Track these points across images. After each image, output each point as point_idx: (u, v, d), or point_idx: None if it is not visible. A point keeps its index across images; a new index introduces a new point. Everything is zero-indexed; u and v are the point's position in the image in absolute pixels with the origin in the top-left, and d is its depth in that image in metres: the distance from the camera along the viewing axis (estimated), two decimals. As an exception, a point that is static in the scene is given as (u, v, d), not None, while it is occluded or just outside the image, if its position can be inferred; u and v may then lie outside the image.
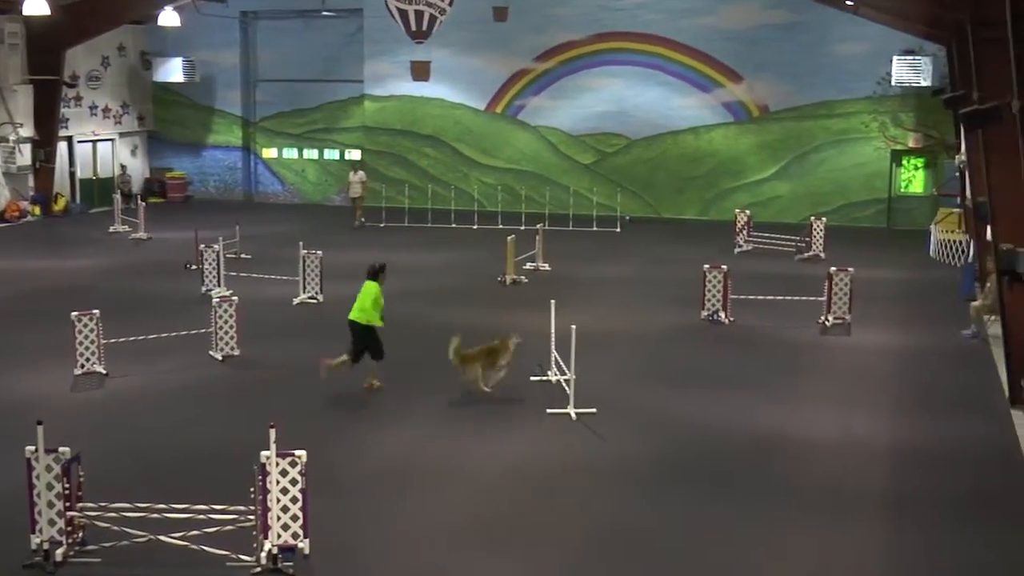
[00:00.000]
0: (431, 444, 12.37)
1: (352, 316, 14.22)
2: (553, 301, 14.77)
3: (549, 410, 13.44)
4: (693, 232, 29.70)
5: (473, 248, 26.48)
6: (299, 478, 9.11)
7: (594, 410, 13.38)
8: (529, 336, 16.99)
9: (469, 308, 19.59)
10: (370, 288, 14.24)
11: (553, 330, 14.66)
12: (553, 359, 14.75)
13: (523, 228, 28.04)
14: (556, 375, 14.63)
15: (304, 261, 20.00)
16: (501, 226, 29.15)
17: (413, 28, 29.35)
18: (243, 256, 24.33)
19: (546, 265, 23.48)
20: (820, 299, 18.71)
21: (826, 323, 18.34)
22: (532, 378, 14.79)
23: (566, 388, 13.70)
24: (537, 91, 33.30)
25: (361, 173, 30.61)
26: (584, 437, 12.64)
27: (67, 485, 9.16)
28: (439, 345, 16.87)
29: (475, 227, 29.74)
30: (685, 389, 14.60)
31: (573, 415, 13.26)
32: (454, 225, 29.95)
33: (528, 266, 23.18)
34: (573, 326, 13.40)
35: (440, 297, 20.58)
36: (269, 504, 9.06)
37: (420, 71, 31.52)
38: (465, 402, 13.91)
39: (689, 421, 13.21)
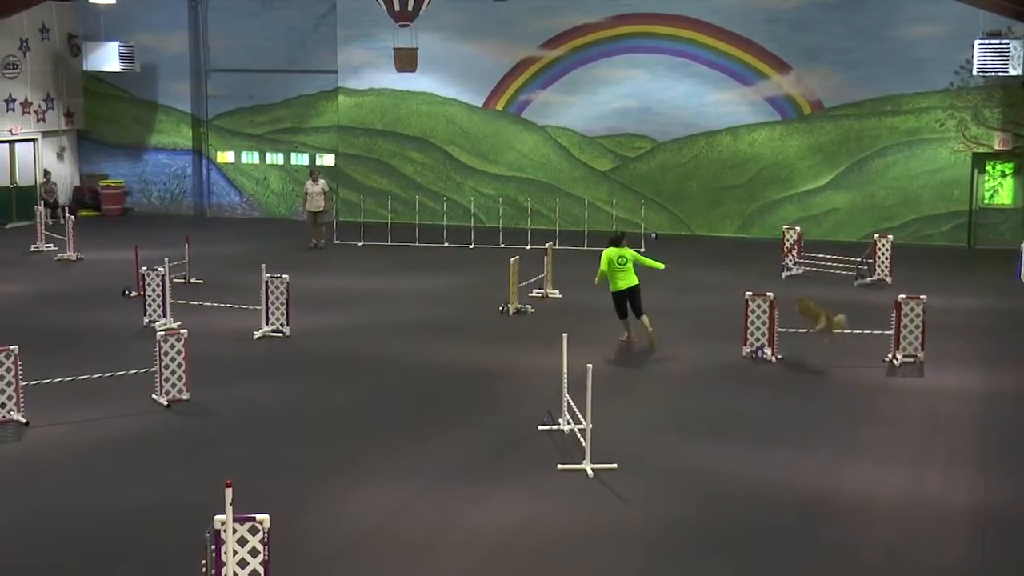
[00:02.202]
0: (419, 506, 12.36)
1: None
2: (565, 335, 14.79)
3: (560, 465, 13.44)
4: (732, 252, 29.74)
5: (469, 272, 26.53)
6: (260, 548, 9.10)
7: (614, 465, 13.37)
8: (535, 377, 17.06)
9: (464, 344, 19.62)
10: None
11: (565, 370, 14.67)
12: (565, 405, 14.76)
13: (529, 248, 28.12)
14: (569, 424, 14.64)
15: (267, 287, 20.05)
16: (503, 245, 29.22)
17: (397, 8, 29.52)
18: (194, 281, 24.41)
19: (556, 292, 23.54)
20: (886, 333, 18.72)
21: (894, 361, 18.35)
22: (540, 427, 14.79)
23: (581, 439, 13.70)
24: (545, 84, 33.48)
25: (323, 182, 30.43)
26: (602, 497, 12.62)
27: (-19, 556, 9.17)
28: (427, 389, 16.95)
29: (471, 246, 29.80)
30: (723, 441, 14.59)
31: (589, 471, 13.25)
32: (446, 244, 30.02)
33: (535, 293, 23.24)
34: (589, 365, 13.40)
35: (429, 331, 20.61)
36: (224, 579, 9.07)
37: (405, 60, 31.67)
38: (460, 456, 13.91)
39: (728, 479, 13.20)
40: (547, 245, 24.44)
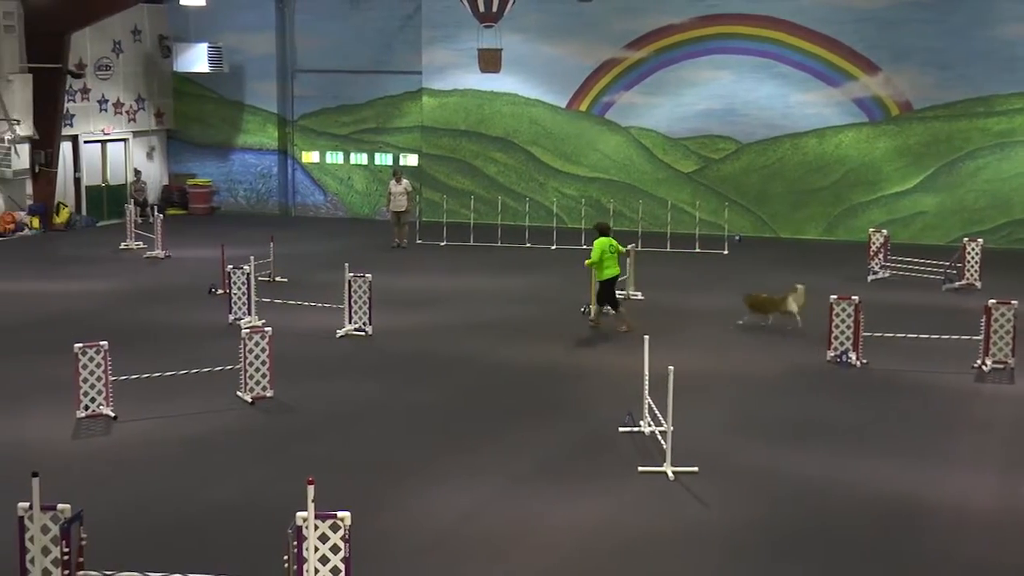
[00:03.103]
0: (498, 505, 12.37)
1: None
2: (647, 337, 14.72)
3: (641, 468, 13.38)
4: (816, 255, 29.44)
5: (551, 272, 26.52)
6: (342, 545, 9.15)
7: (695, 468, 13.29)
8: (616, 379, 17.00)
9: (545, 345, 19.61)
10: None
11: (647, 372, 14.60)
12: (646, 407, 14.70)
13: (610, 249, 28.06)
14: (650, 426, 14.57)
15: (350, 286, 20.18)
16: (584, 246, 29.14)
17: (481, 9, 29.59)
18: (278, 279, 24.65)
19: (638, 293, 23.43)
20: (975, 338, 18.42)
21: (983, 368, 18.03)
22: (621, 429, 14.75)
23: (662, 442, 13.63)
24: (629, 85, 33.37)
25: (406, 182, 30.64)
26: (682, 500, 12.55)
27: (66, 549, 9.30)
28: (509, 389, 16.96)
29: (553, 247, 29.79)
30: (806, 445, 14.44)
31: (670, 474, 13.19)
32: (528, 245, 30.03)
33: (617, 294, 23.13)
34: (671, 367, 13.33)
35: (510, 331, 20.63)
36: (305, 575, 9.12)
37: (489, 61, 31.73)
38: (540, 456, 13.90)
39: (810, 484, 13.06)
40: (629, 247, 24.32)
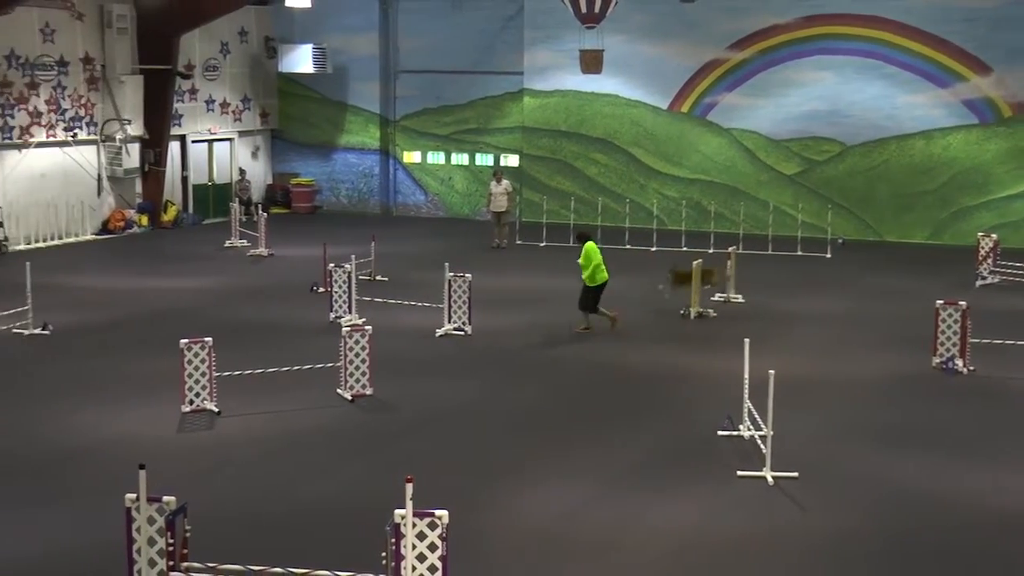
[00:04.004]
0: (595, 507, 12.36)
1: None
2: (747, 340, 14.60)
3: (740, 472, 13.29)
4: (922, 259, 28.97)
5: (651, 274, 26.40)
6: (439, 543, 9.21)
7: (795, 474, 13.17)
8: (715, 382, 16.90)
9: (644, 346, 19.56)
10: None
11: (747, 375, 14.49)
12: (746, 410, 14.59)
13: (711, 251, 27.87)
14: (749, 430, 14.46)
15: (450, 286, 20.30)
16: (685, 248, 29.02)
17: (584, 10, 29.63)
18: (379, 278, 24.87)
19: (739, 296, 23.26)
20: (1086, 346, 18.00)
21: (1094, 376, 17.62)
22: (720, 432, 14.66)
23: (761, 446, 13.52)
24: (731, 86, 33.12)
25: (506, 182, 30.73)
26: (782, 506, 12.44)
27: (171, 540, 9.48)
28: (606, 390, 16.95)
29: (653, 249, 29.67)
30: (910, 453, 14.22)
31: (769, 479, 13.08)
32: (628, 246, 29.94)
33: (717, 297, 23.00)
34: (771, 371, 13.22)
35: (611, 333, 20.58)
36: (403, 572, 9.19)
37: (591, 62, 31.75)
38: (637, 458, 13.87)
39: (914, 492, 12.85)
40: (730, 249, 24.17)
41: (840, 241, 30.65)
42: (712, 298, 22.74)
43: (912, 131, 31.71)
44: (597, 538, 11.52)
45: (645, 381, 17.46)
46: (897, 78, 31.62)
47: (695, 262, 21.59)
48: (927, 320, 18.71)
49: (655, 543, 11.42)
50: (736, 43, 32.85)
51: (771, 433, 13.25)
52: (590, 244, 20.40)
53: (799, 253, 29.15)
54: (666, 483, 13.08)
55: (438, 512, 9.23)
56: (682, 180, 33.78)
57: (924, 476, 13.38)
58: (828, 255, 29.08)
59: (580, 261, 20.33)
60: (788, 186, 32.85)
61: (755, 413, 14.26)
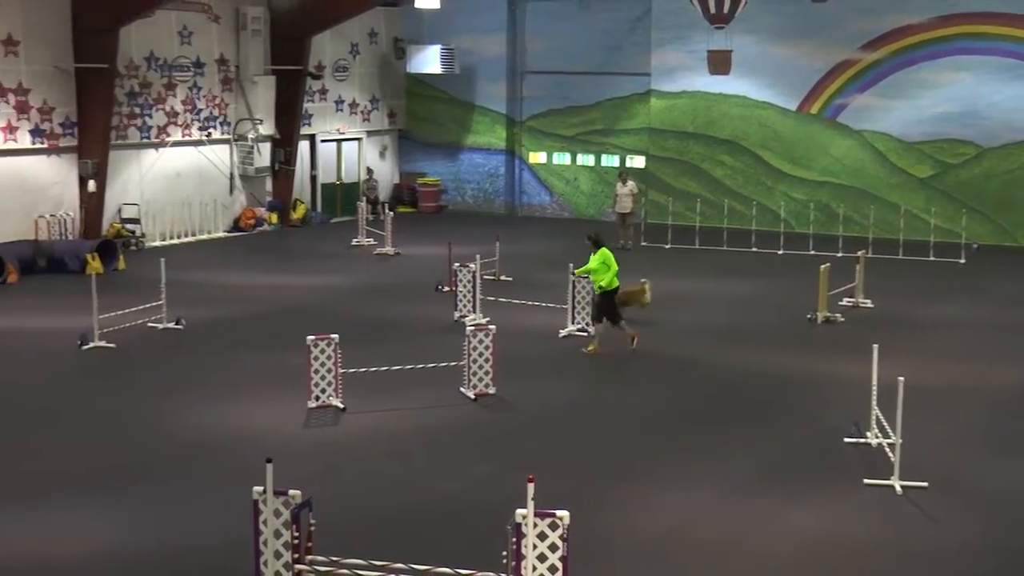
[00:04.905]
0: (718, 512, 12.27)
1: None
2: (876, 346, 14.35)
3: (866, 480, 13.07)
4: (1062, 266, 28.20)
5: (777, 277, 26.14)
6: (560, 543, 9.21)
7: (925, 484, 12.91)
8: (842, 388, 16.64)
9: (770, 350, 19.34)
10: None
11: (875, 382, 14.24)
12: (874, 417, 14.34)
13: (840, 255, 27.45)
14: (877, 437, 14.21)
15: (574, 287, 20.29)
16: (812, 252, 28.64)
17: (713, 11, 29.41)
18: (503, 278, 24.96)
19: (867, 301, 22.87)
20: None
21: None
22: (846, 439, 14.44)
23: (889, 454, 13.27)
24: (863, 87, 32.58)
25: (632, 183, 30.69)
26: (910, 517, 12.21)
27: (296, 534, 9.64)
28: (730, 393, 16.81)
29: (780, 252, 29.33)
30: (1046, 465, 13.85)
31: (898, 488, 12.84)
32: (754, 249, 29.64)
33: (845, 302, 22.64)
34: (900, 378, 12.96)
35: (734, 335, 20.41)
36: (523, 572, 9.22)
37: (719, 62, 31.49)
38: (761, 463, 13.72)
39: (1050, 506, 12.52)
40: (859, 253, 23.77)
41: (975, 246, 29.94)
42: (840, 302, 22.40)
43: (1053, 133, 30.90)
44: (717, 543, 11.43)
45: (769, 385, 17.26)
46: (1037, 79, 30.83)
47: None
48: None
49: (777, 550, 11.28)
50: (868, 43, 32.28)
51: (900, 441, 13.01)
52: (605, 250, 19.05)
53: (931, 258, 28.54)
54: (789, 489, 12.92)
55: (559, 512, 9.24)
56: (810, 182, 33.31)
57: (1060, 489, 13.02)
58: (962, 260, 28.43)
59: (593, 266, 18.93)
60: (920, 189, 32.18)
61: (883, 420, 14.01)
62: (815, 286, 21.67)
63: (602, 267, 18.84)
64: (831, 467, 13.64)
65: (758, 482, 13.20)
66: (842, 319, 21.59)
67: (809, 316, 21.51)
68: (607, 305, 19.05)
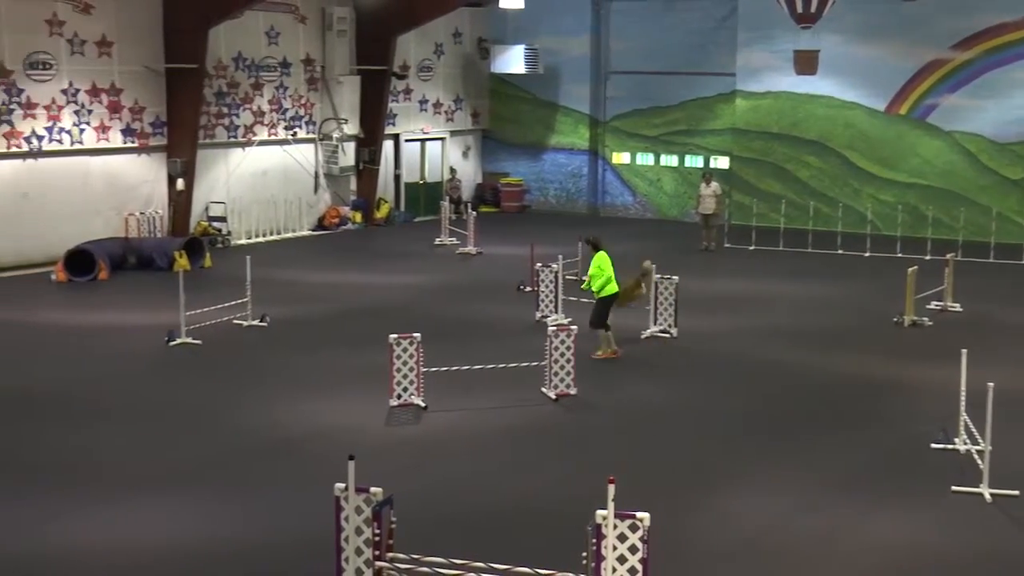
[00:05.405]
0: (801, 517, 12.13)
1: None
2: (964, 351, 14.10)
3: (955, 487, 12.85)
4: None
5: (863, 280, 25.82)
6: (640, 545, 9.15)
7: (1016, 492, 12.66)
8: (930, 393, 16.37)
9: (855, 354, 19.10)
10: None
11: (963, 387, 13.99)
12: (962, 424, 14.08)
13: (928, 258, 27.05)
14: (966, 444, 13.96)
15: (656, 288, 20.19)
16: (899, 255, 28.24)
17: (800, 10, 29.09)
18: (585, 279, 24.87)
19: (956, 305, 22.50)
20: None
21: None
22: (934, 445, 14.21)
23: (979, 461, 13.04)
24: (954, 87, 32.05)
25: (715, 184, 30.46)
26: (1001, 525, 11.99)
27: (377, 531, 9.67)
28: (814, 397, 16.62)
29: (867, 254, 28.96)
30: None
31: (987, 496, 12.60)
32: (840, 251, 29.30)
33: (933, 305, 22.29)
34: (990, 384, 12.72)
35: (819, 338, 20.18)
36: (603, 573, 9.17)
37: (805, 62, 31.18)
38: (846, 469, 13.55)
39: None
40: (948, 256, 23.39)
41: (1067, 250, 29.38)
42: (928, 306, 22.06)
43: None
44: (801, 550, 11.30)
45: (855, 389, 17.04)
46: None
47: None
48: None
49: (864, 557, 11.12)
50: (960, 43, 31.74)
51: (990, 448, 12.76)
52: (603, 254, 18.71)
53: (1022, 262, 28.01)
54: (876, 495, 12.74)
55: (640, 514, 9.18)
56: (898, 184, 32.85)
57: None
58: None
59: (592, 272, 18.68)
60: (1012, 191, 31.59)
61: (972, 426, 13.76)
62: (902, 289, 21.37)
63: (598, 271, 18.58)
64: (918, 473, 13.43)
65: (844, 488, 13.02)
66: (930, 323, 21.26)
67: (896, 319, 21.21)
68: (607, 310, 18.76)
